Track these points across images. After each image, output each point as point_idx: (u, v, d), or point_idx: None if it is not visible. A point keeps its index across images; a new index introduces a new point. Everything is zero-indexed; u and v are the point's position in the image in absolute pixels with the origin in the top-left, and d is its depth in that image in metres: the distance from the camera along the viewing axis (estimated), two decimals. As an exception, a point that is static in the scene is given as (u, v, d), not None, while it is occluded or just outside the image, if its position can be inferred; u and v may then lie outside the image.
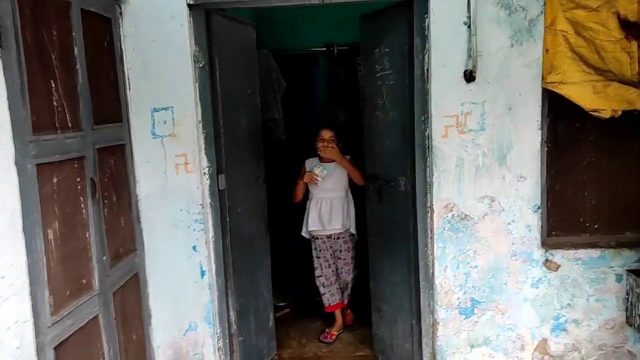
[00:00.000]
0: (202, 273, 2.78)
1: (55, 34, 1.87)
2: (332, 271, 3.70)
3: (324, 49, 5.40)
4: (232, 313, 2.99)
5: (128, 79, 2.63)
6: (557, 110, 2.67)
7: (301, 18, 5.54)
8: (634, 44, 2.53)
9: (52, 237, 1.75)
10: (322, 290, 3.73)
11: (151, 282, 2.79)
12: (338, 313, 3.79)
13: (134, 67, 2.63)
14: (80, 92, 2.00)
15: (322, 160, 3.61)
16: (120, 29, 2.58)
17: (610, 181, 2.71)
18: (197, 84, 2.69)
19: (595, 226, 2.74)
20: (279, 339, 3.69)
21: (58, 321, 1.78)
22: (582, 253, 2.70)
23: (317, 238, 3.68)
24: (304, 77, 5.65)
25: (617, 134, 2.67)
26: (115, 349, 2.25)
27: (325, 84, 5.50)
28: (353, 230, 3.67)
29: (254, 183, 3.25)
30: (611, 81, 2.55)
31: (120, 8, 2.57)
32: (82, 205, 2.00)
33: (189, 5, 2.62)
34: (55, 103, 1.83)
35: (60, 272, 1.81)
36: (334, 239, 3.67)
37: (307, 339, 3.80)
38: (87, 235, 2.02)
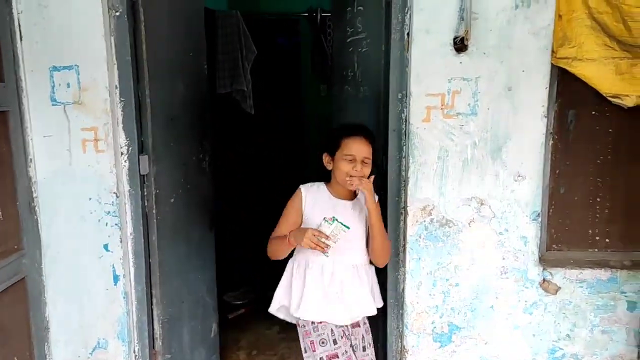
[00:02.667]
0: (115, 278, 2.22)
1: None
2: None
3: (307, 14, 4.85)
4: (157, 326, 2.44)
5: (19, 25, 2.03)
6: (568, 93, 2.12)
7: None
8: (673, 12, 1.98)
9: None
10: None
11: (50, 288, 2.22)
12: None
13: (27, 10, 2.02)
14: None
15: (331, 190, 2.03)
16: (8, -41, 1.96)
17: (629, 186, 2.17)
18: (112, 38, 2.09)
19: (607, 240, 2.22)
20: (226, 349, 3.17)
21: None
22: (588, 274, 2.18)
23: (320, 323, 2.00)
24: (285, 45, 5.13)
25: (642, 127, 2.14)
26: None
27: (308, 53, 4.96)
28: (380, 304, 2.11)
29: (194, 167, 2.66)
30: (639, 60, 1.99)
31: None
32: None
33: None
34: None
35: None
36: (351, 327, 2.06)
37: (259, 349, 3.27)
38: None
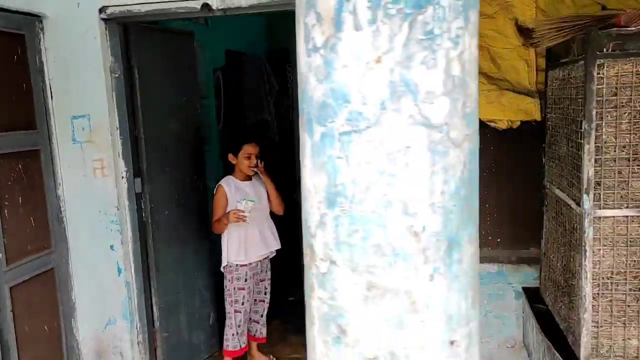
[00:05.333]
0: (119, 271, 2.97)
1: None
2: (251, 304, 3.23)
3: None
4: (155, 309, 3.16)
5: (50, 89, 2.86)
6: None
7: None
8: (532, 51, 2.44)
9: None
10: (233, 331, 3.13)
11: (76, 277, 3.01)
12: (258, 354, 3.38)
13: (56, 77, 2.85)
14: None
15: (236, 176, 3.12)
16: (42, 42, 2.81)
17: (510, 194, 2.61)
18: (113, 93, 2.87)
19: (498, 240, 2.65)
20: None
21: None
22: (480, 267, 2.61)
23: (244, 265, 3.11)
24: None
25: (519, 145, 2.57)
26: (10, 339, 2.48)
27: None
28: (278, 246, 3.22)
29: (187, 187, 3.39)
30: (505, 90, 2.46)
31: (42, 23, 2.80)
32: (-38, 208, 2.23)
33: (103, 20, 2.80)
34: None
35: None
36: (264, 260, 3.21)
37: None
38: (-34, 234, 2.25)
